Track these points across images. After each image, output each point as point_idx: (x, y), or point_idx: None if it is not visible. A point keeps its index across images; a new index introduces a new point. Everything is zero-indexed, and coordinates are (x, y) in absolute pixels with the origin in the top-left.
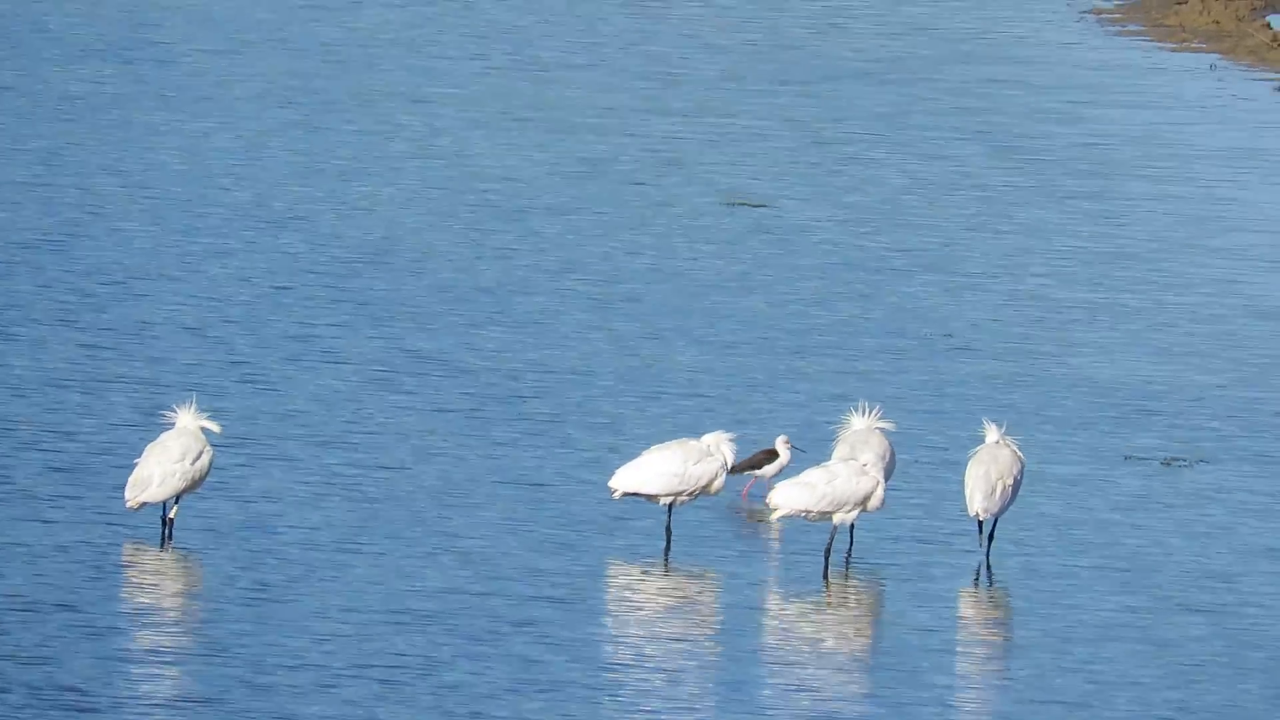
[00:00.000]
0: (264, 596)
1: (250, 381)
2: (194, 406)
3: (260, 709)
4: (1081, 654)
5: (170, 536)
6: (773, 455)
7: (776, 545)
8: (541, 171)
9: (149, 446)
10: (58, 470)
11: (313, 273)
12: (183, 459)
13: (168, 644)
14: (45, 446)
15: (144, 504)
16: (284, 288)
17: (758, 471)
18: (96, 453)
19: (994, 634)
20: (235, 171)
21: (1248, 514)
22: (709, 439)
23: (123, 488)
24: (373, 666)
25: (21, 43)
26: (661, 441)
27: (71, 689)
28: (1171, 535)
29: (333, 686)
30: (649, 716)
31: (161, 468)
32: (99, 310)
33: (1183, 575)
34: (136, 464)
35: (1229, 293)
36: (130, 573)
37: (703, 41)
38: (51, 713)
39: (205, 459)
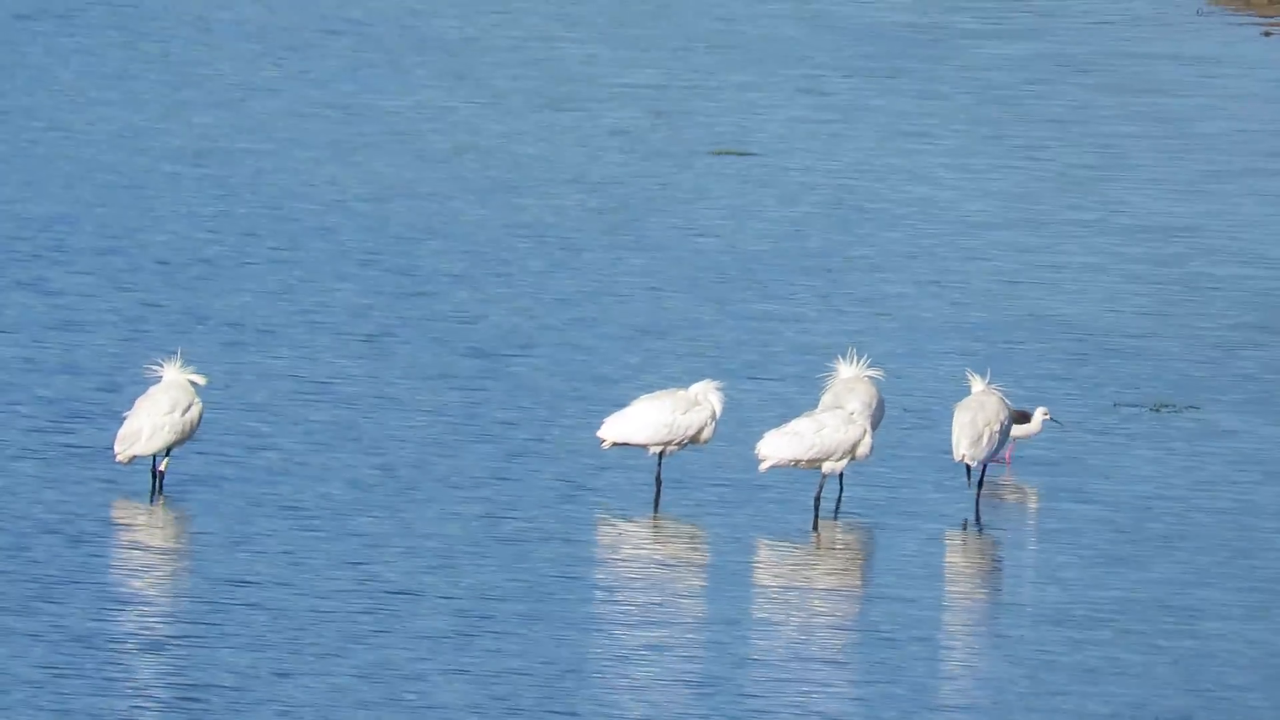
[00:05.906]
0: (250, 568)
1: (232, 343)
2: (179, 360)
3: (248, 677)
4: (1074, 606)
5: (160, 490)
6: (1025, 418)
7: (766, 495)
8: (526, 128)
9: (138, 400)
10: (46, 423)
11: (285, 229)
12: (172, 411)
13: (155, 624)
14: (30, 401)
15: (134, 457)
16: (249, 240)
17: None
18: (85, 407)
19: (985, 584)
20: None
21: (1241, 459)
22: (697, 388)
23: (112, 441)
24: (363, 639)
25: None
26: (652, 391)
27: (60, 655)
28: (1165, 481)
29: (325, 657)
30: (633, 667)
31: (151, 420)
32: (75, 269)
33: (1178, 521)
34: (125, 417)
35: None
36: (120, 528)
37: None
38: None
39: (195, 411)
